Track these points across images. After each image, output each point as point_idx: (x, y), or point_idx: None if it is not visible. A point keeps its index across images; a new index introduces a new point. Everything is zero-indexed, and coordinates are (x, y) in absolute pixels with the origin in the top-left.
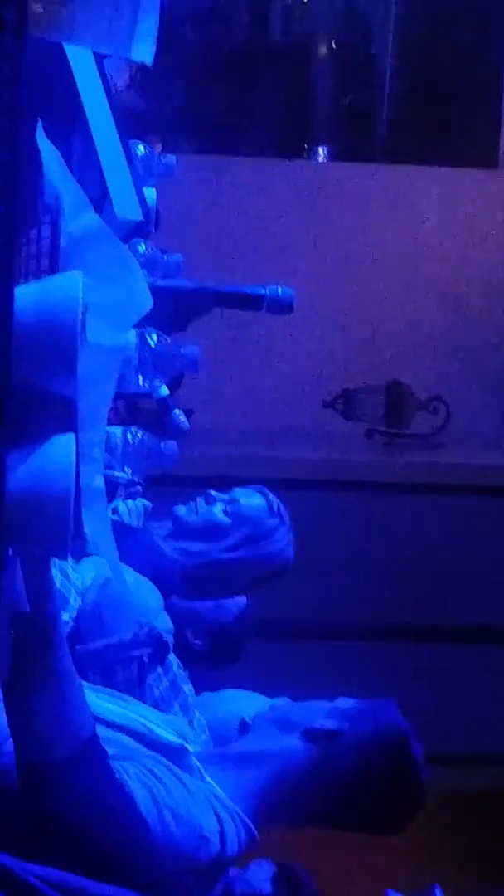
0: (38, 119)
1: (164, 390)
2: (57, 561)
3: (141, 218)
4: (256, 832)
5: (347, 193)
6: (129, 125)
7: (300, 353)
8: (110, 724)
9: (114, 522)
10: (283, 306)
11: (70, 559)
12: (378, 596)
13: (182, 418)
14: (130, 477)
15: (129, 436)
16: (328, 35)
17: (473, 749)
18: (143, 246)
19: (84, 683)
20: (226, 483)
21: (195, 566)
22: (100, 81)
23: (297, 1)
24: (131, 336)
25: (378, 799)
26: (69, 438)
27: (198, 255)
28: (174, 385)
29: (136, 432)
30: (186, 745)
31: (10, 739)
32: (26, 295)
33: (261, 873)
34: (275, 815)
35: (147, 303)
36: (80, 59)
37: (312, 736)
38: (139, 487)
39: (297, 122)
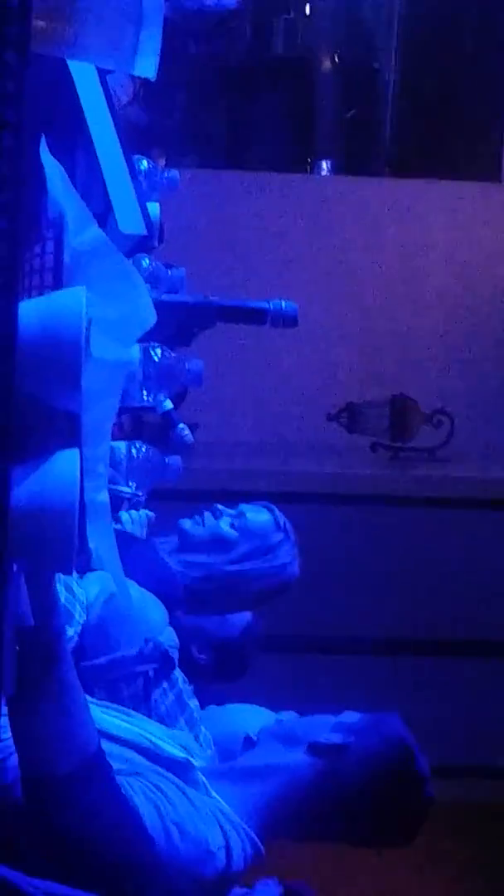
0: (42, 134)
1: (169, 405)
2: (62, 576)
3: (144, 232)
4: (262, 847)
5: (351, 207)
6: (133, 140)
7: (304, 367)
8: (115, 739)
9: (117, 532)
10: (287, 320)
11: (75, 574)
12: (382, 609)
13: (186, 432)
14: (135, 491)
15: (133, 450)
16: (331, 49)
17: (476, 761)
18: (147, 260)
19: (89, 698)
20: (230, 497)
21: (200, 578)
22: (103, 96)
23: (301, 15)
24: (135, 351)
25: (384, 813)
26: (73, 453)
27: (202, 269)
28: (178, 399)
29: (140, 447)
30: (192, 759)
31: (15, 754)
32: (30, 310)
33: (267, 893)
34: (280, 829)
35: (151, 317)
36: (83, 75)
37: (318, 750)
38: (143, 501)
39: (301, 136)
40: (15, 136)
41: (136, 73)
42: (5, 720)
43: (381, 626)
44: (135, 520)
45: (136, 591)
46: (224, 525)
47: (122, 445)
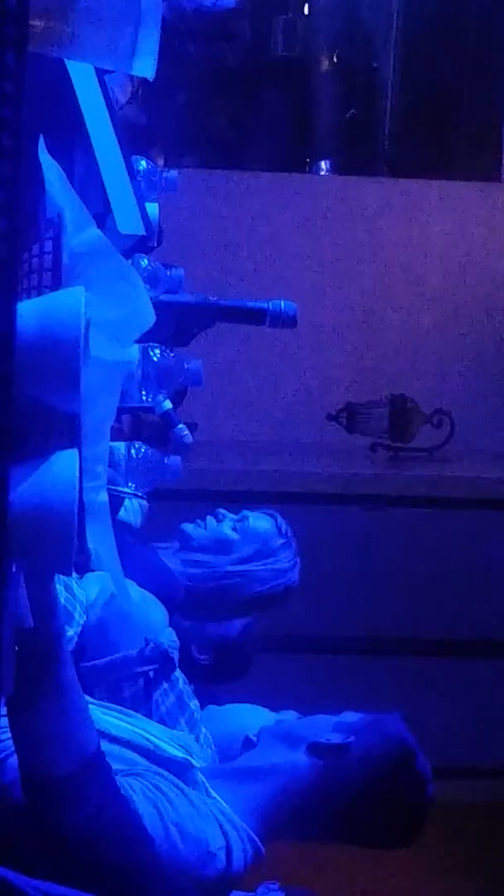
0: (40, 135)
1: (168, 405)
2: (61, 577)
3: (143, 233)
4: (263, 847)
5: (350, 207)
6: (131, 140)
7: (303, 367)
8: (115, 740)
9: (115, 525)
10: (286, 320)
11: (74, 575)
12: (382, 609)
13: (186, 433)
14: (134, 492)
15: (132, 451)
16: (330, 49)
17: (476, 761)
18: (146, 261)
19: (89, 699)
20: (229, 497)
21: (200, 577)
22: (101, 97)
23: (300, 15)
24: (134, 351)
25: (384, 813)
26: (72, 454)
27: (201, 269)
28: (178, 400)
29: (139, 447)
30: (192, 760)
31: (15, 755)
32: (29, 311)
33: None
34: (281, 829)
35: (150, 318)
36: (81, 75)
37: (318, 750)
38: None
39: (300, 136)
40: (13, 137)
41: (135, 73)
42: (5, 721)
43: (380, 627)
44: (129, 508)
45: (136, 592)
46: (226, 528)
47: (121, 446)
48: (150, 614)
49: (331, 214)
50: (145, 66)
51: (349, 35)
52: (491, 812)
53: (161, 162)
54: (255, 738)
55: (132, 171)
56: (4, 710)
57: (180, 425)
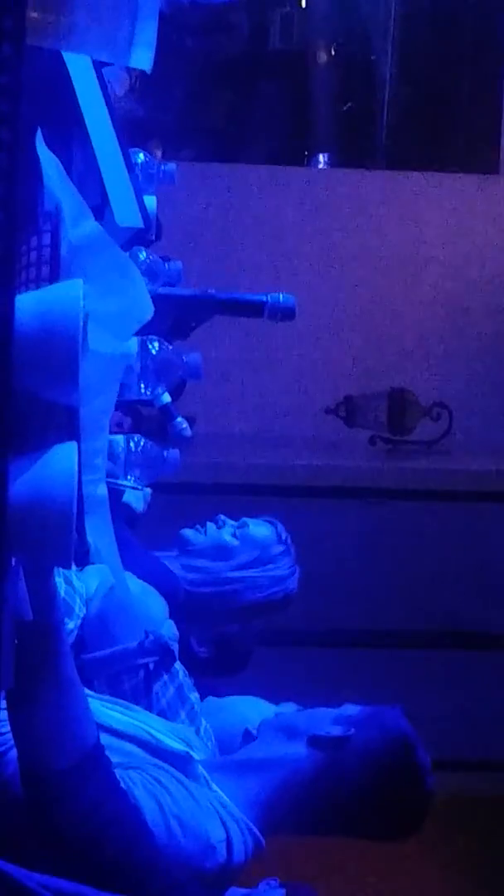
0: (38, 127)
1: (167, 398)
2: (61, 569)
3: (141, 225)
4: (263, 840)
5: (348, 200)
6: (129, 133)
7: (302, 360)
8: (116, 733)
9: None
10: (284, 313)
11: (74, 567)
12: (382, 602)
13: (184, 426)
14: (133, 485)
15: (131, 444)
16: (328, 42)
17: (476, 754)
18: (144, 254)
19: (89, 692)
20: (228, 491)
21: (199, 582)
22: (99, 89)
23: (297, 8)
24: (133, 344)
25: (384, 805)
26: (71, 447)
27: (199, 262)
28: (176, 392)
29: (138, 440)
30: (192, 753)
31: (15, 748)
32: (27, 303)
33: (270, 894)
34: (281, 822)
35: (148, 310)
36: (79, 67)
37: (318, 743)
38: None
39: (298, 129)
40: (11, 129)
41: (132, 64)
42: (4, 714)
43: (379, 619)
44: (133, 494)
45: (135, 584)
46: (226, 534)
47: (119, 439)
48: (150, 606)
49: (329, 207)
50: (143, 58)
51: (347, 28)
52: (491, 805)
53: (159, 154)
54: (255, 731)
55: (130, 164)
56: (4, 704)
57: (179, 418)
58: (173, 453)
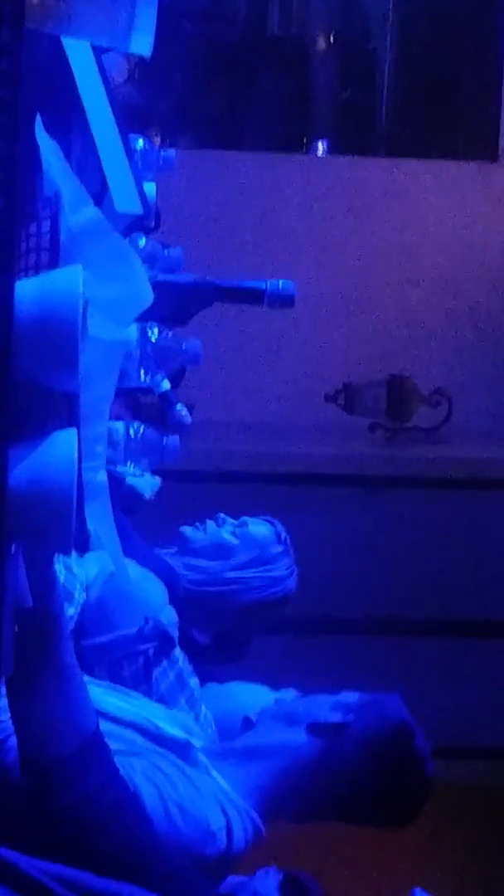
0: (37, 113)
1: (166, 385)
2: (61, 556)
3: (141, 212)
4: (263, 827)
5: (347, 187)
6: (128, 120)
7: (301, 348)
8: (115, 720)
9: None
10: (283, 300)
11: (74, 554)
12: (381, 590)
13: (184, 413)
14: (133, 472)
15: (131, 431)
16: (327, 29)
17: (477, 743)
18: (144, 240)
19: (89, 679)
20: (227, 478)
21: (199, 582)
22: (98, 75)
23: None
24: (132, 331)
25: (383, 792)
26: (71, 433)
27: (198, 249)
28: (176, 379)
29: (138, 427)
30: (192, 740)
31: (15, 736)
32: (27, 290)
33: (268, 881)
34: (281, 809)
35: (148, 297)
36: (78, 53)
37: (317, 729)
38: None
39: (296, 116)
40: (10, 114)
41: (132, 50)
42: (5, 701)
43: (379, 607)
44: (143, 481)
45: (135, 571)
46: (226, 533)
47: (119, 425)
48: (150, 593)
49: (328, 194)
50: (142, 44)
51: (346, 14)
52: (491, 793)
53: (157, 141)
54: (254, 718)
55: (129, 151)
56: (4, 691)
57: (179, 405)
58: (173, 440)
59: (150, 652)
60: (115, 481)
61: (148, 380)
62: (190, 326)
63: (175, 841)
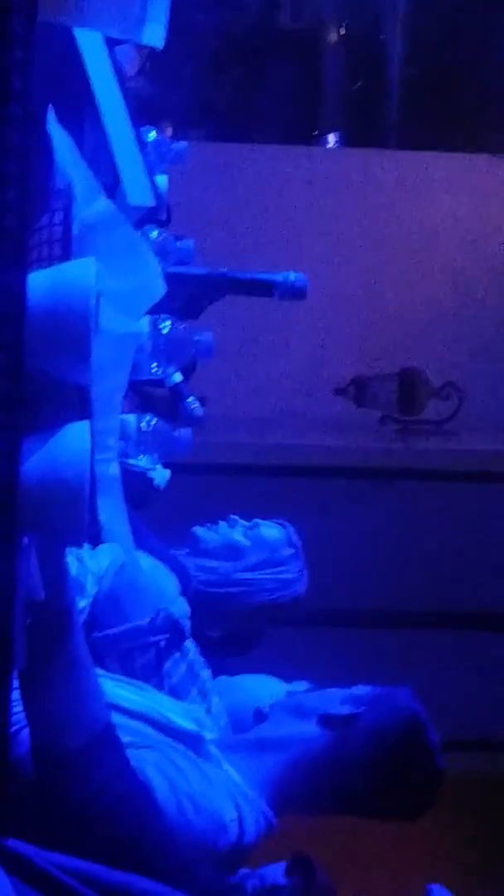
0: (50, 105)
1: (178, 377)
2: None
3: (153, 203)
4: (275, 819)
5: (358, 179)
6: (139, 112)
7: (312, 340)
8: (127, 712)
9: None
10: (295, 292)
11: (86, 546)
12: (391, 583)
13: (196, 405)
14: (145, 465)
15: (143, 423)
16: (338, 21)
17: (489, 735)
18: (156, 232)
19: (101, 671)
20: (238, 470)
21: (209, 582)
22: (111, 67)
23: None
24: (144, 323)
25: (394, 785)
26: (84, 426)
27: (210, 241)
28: (188, 372)
29: (150, 420)
30: (203, 733)
31: (27, 728)
32: (40, 282)
33: (273, 870)
34: (292, 802)
35: (160, 289)
36: (90, 45)
37: (329, 722)
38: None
39: (308, 109)
40: (23, 106)
41: (144, 41)
42: (17, 694)
43: (389, 600)
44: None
45: (146, 562)
46: (237, 534)
47: (131, 418)
48: (161, 584)
49: (339, 187)
50: (155, 35)
51: (357, 6)
52: (492, 784)
53: (169, 133)
54: (266, 711)
55: (142, 143)
56: (16, 683)
57: (190, 398)
58: (185, 433)
59: (162, 643)
60: (127, 473)
61: (160, 373)
62: (201, 319)
63: (187, 833)
